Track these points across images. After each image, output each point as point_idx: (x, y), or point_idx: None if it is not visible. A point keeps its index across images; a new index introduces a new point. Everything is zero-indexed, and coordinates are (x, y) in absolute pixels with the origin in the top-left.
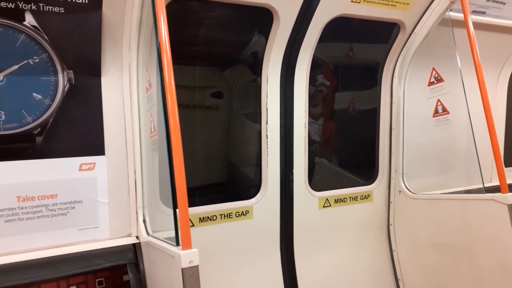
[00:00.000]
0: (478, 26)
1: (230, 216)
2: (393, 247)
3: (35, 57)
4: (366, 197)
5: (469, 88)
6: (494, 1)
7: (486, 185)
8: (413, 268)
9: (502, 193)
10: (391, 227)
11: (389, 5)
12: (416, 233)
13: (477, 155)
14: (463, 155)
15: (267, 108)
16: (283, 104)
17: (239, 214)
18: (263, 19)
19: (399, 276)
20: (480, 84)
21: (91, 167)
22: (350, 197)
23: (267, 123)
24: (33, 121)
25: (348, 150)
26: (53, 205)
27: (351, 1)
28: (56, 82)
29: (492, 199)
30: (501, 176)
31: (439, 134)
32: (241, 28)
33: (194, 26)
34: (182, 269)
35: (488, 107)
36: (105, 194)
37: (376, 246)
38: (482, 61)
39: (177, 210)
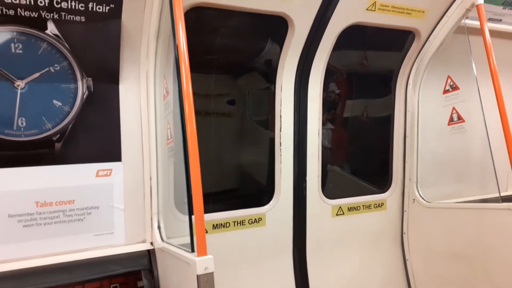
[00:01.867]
0: (494, 34)
1: (243, 223)
2: (407, 256)
3: (56, 65)
4: (379, 205)
5: (485, 96)
6: (511, 9)
7: (502, 194)
8: (427, 278)
9: None
10: (404, 236)
11: (404, 13)
12: (430, 243)
13: (493, 163)
14: (478, 164)
15: (280, 116)
16: (297, 112)
17: (252, 221)
18: (278, 27)
19: (412, 286)
20: (497, 92)
21: (108, 173)
22: (363, 205)
23: (280, 131)
24: (53, 127)
25: (362, 158)
26: (70, 210)
27: (366, 9)
28: (76, 89)
29: (509, 209)
30: None
31: (454, 142)
32: (256, 36)
33: (210, 34)
34: (198, 276)
35: (504, 115)
36: (121, 200)
37: (390, 255)
38: (498, 68)
39: (193, 216)
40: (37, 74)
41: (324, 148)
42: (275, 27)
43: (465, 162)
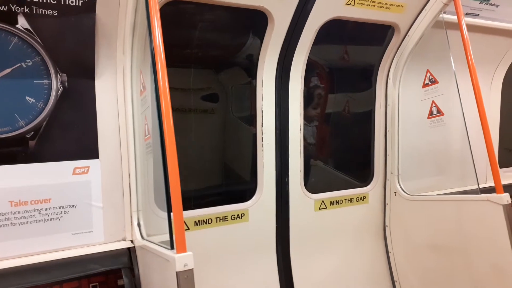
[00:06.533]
0: (471, 28)
1: (226, 219)
2: (389, 249)
3: (28, 60)
4: (362, 199)
5: (464, 89)
6: (487, 4)
7: (481, 186)
8: (409, 270)
9: (497, 193)
10: (387, 229)
11: (383, 7)
12: (412, 235)
13: (471, 156)
14: (458, 156)
15: (262, 111)
16: (278, 107)
17: (234, 217)
18: (258, 22)
19: (395, 278)
20: (474, 86)
21: (85, 171)
22: (346, 199)
23: (262, 126)
24: (26, 124)
25: (344, 152)
26: (46, 209)
27: (345, 4)
28: (50, 85)
29: (487, 200)
30: (496, 177)
31: (434, 135)
32: (235, 30)
33: (188, 28)
34: (177, 273)
35: (482, 108)
36: (99, 198)
37: (373, 248)
38: (476, 62)
39: (172, 213)
40: (8, 70)
41: (306, 143)
42: (255, 21)
43: (445, 155)
